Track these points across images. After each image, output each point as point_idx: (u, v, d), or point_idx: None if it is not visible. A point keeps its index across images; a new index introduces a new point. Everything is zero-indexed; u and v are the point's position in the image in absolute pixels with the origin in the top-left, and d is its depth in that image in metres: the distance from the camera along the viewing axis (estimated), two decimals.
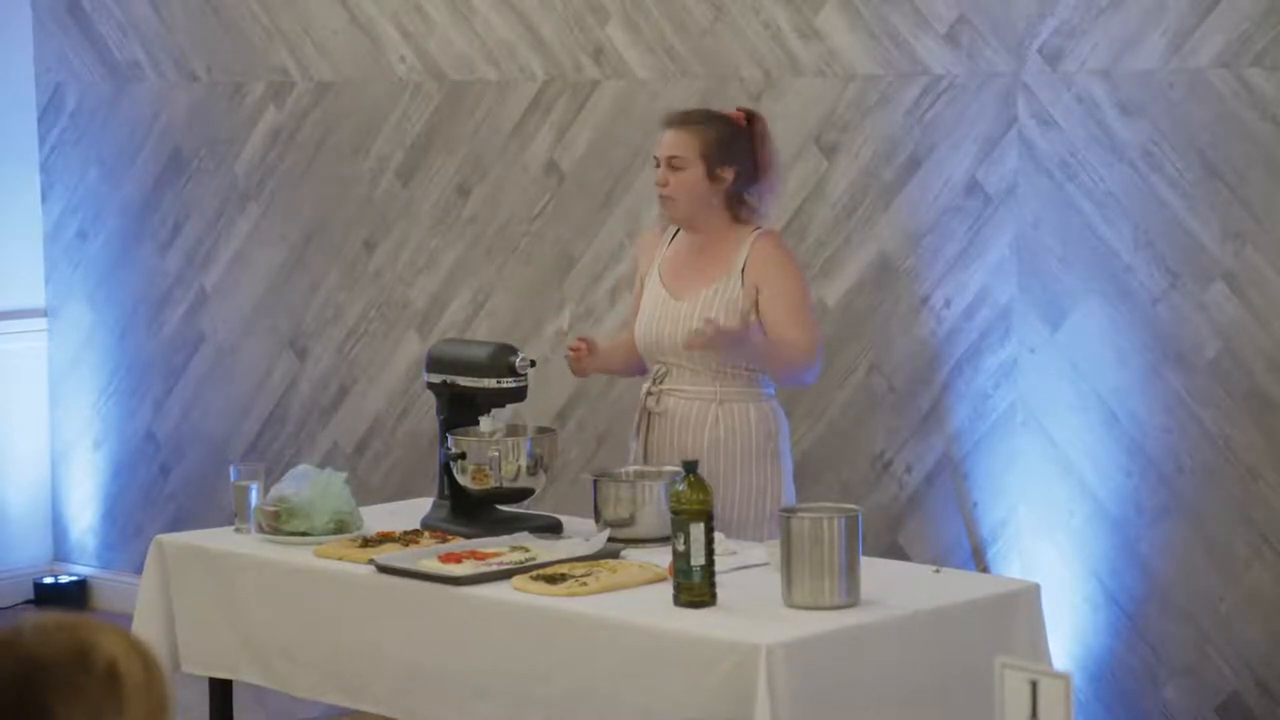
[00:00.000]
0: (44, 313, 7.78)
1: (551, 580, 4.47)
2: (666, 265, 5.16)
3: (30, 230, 7.75)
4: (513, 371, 4.97)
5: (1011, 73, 5.50)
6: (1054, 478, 5.48)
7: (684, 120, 5.08)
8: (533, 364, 5.02)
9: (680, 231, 5.15)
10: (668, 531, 4.39)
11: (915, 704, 4.28)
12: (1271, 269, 5.14)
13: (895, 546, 5.68)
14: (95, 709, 1.97)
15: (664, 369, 5.10)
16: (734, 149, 5.03)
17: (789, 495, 5.11)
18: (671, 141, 5.05)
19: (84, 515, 7.74)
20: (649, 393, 5.11)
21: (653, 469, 4.97)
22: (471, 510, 5.00)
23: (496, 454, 4.92)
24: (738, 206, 5.06)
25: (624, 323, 5.45)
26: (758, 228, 5.06)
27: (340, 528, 4.98)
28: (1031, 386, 5.52)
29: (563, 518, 5.08)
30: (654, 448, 5.10)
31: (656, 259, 5.19)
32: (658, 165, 5.06)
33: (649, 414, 5.11)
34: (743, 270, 5.01)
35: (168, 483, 7.49)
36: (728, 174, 5.02)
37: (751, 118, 5.12)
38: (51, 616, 2.04)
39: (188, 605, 5.05)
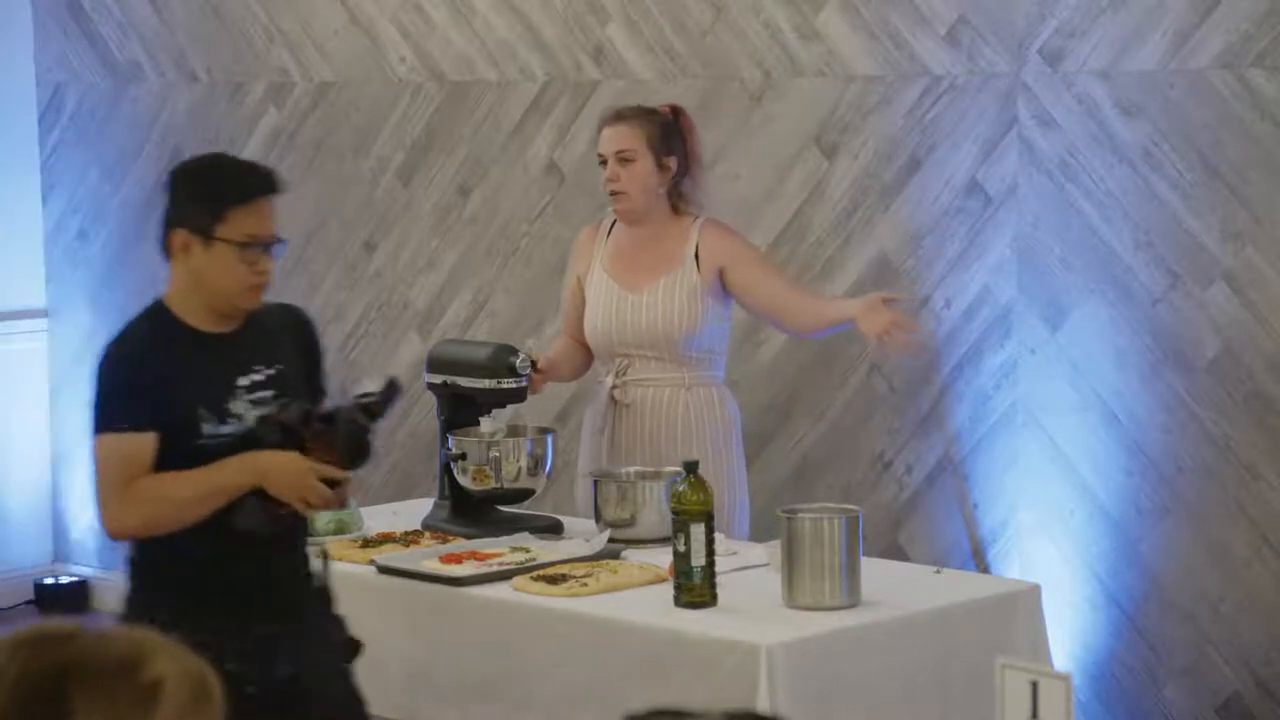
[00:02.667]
0: (44, 313, 7.78)
1: (552, 581, 4.47)
2: (609, 262, 5.23)
3: (31, 231, 7.75)
4: (513, 372, 4.97)
5: (1011, 73, 5.50)
6: (1054, 478, 5.48)
7: (625, 115, 5.21)
8: (533, 364, 5.02)
9: (615, 229, 5.24)
10: (668, 532, 4.40)
11: (916, 704, 4.28)
12: (1271, 269, 5.14)
13: (895, 547, 5.68)
14: (117, 717, 1.97)
15: (625, 361, 5.16)
16: (673, 140, 5.18)
17: (744, 479, 5.17)
18: (618, 136, 5.17)
19: (84, 515, 7.74)
20: (614, 386, 5.14)
21: (651, 469, 4.97)
22: (472, 511, 5.00)
23: (497, 455, 4.92)
24: (676, 198, 5.20)
25: (559, 331, 5.47)
26: (696, 217, 5.18)
27: (341, 528, 4.98)
28: (1032, 387, 5.52)
29: (563, 518, 5.09)
30: (622, 440, 5.14)
31: (596, 257, 5.24)
32: (603, 164, 5.16)
33: (616, 406, 5.14)
34: (696, 257, 5.12)
35: None
36: (672, 164, 5.17)
37: (677, 112, 5.27)
38: (130, 629, 2.05)
39: None
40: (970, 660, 4.26)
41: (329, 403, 4.13)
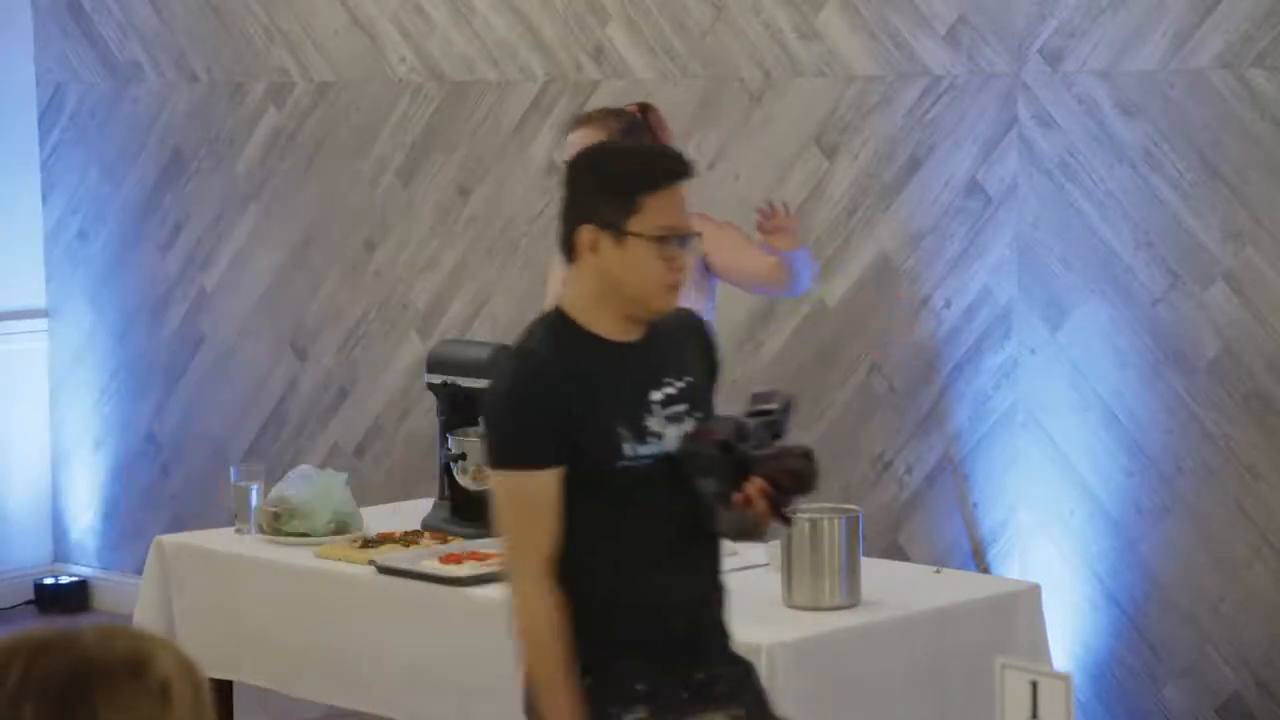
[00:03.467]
0: (44, 313, 7.78)
1: None
2: None
3: (31, 230, 7.75)
4: None
5: (1011, 73, 5.50)
6: (1054, 478, 5.48)
7: (588, 119, 5.25)
8: None
9: None
10: None
11: (915, 704, 4.28)
12: (1271, 269, 5.14)
13: (895, 546, 5.68)
14: (137, 717, 1.98)
15: None
16: (640, 138, 5.20)
17: None
18: (582, 140, 5.19)
19: (84, 515, 7.74)
20: None
21: None
22: (472, 511, 5.00)
23: None
24: None
25: None
26: None
27: (341, 528, 4.98)
28: (1032, 387, 5.52)
29: None
30: None
31: None
32: None
33: None
34: None
35: (168, 483, 7.49)
36: None
37: (645, 109, 5.30)
38: (113, 624, 2.05)
39: (188, 605, 5.05)
40: (970, 660, 4.26)
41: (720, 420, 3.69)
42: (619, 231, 3.56)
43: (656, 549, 3.62)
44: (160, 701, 1.98)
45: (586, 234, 3.58)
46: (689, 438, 3.61)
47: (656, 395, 3.62)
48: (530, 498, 3.55)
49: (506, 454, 3.58)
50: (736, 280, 5.18)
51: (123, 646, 2.00)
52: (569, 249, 3.63)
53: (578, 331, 3.62)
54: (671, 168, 3.64)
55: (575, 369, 3.57)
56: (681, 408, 3.64)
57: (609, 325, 3.62)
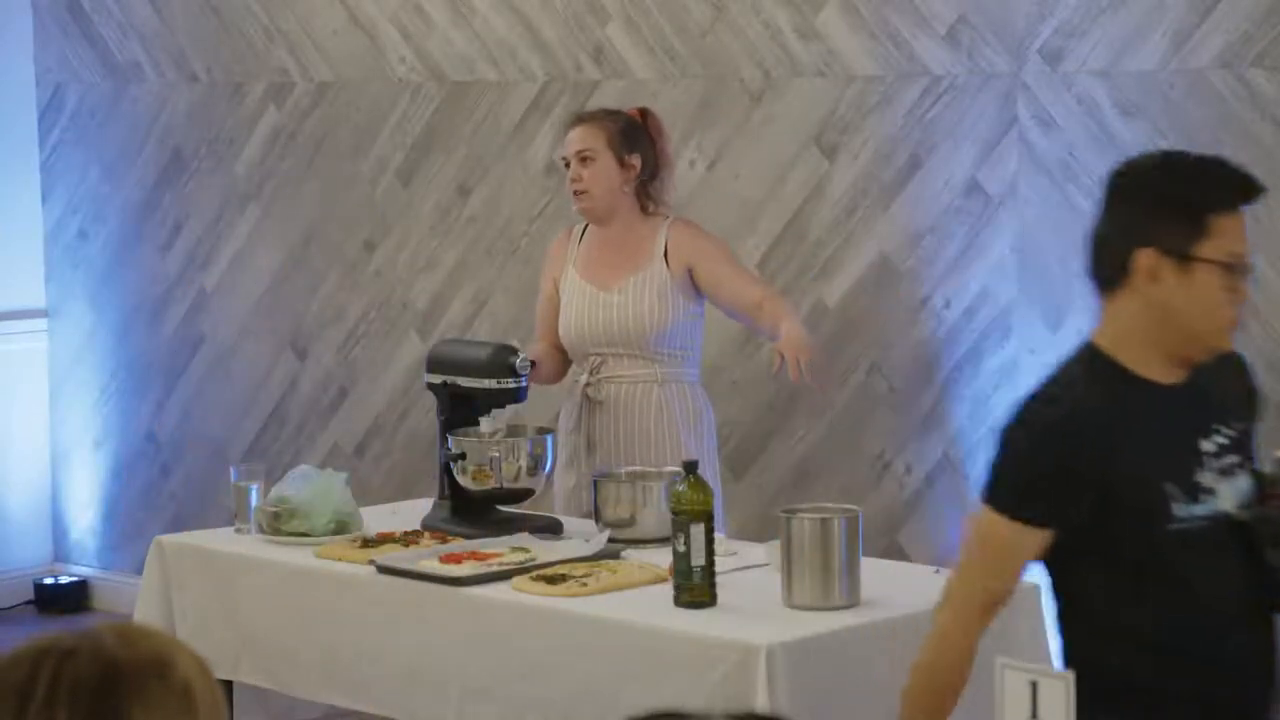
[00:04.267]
0: (44, 313, 7.78)
1: (552, 581, 4.47)
2: (581, 263, 5.27)
3: (31, 230, 7.74)
4: (512, 372, 4.97)
5: (1011, 73, 5.50)
6: None
7: (586, 118, 5.28)
8: (532, 364, 5.03)
9: (587, 232, 5.28)
10: (668, 532, 4.40)
11: None
12: (1271, 269, 5.14)
13: (895, 547, 5.68)
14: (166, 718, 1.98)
15: (599, 359, 5.20)
16: (637, 139, 5.21)
17: (716, 479, 5.17)
18: (578, 137, 5.22)
19: (84, 515, 7.74)
20: (588, 384, 5.16)
21: (652, 469, 4.97)
22: (472, 511, 5.00)
23: (497, 454, 4.92)
24: (644, 199, 5.23)
25: (539, 335, 5.43)
26: (665, 217, 5.22)
27: (340, 528, 4.98)
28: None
29: (563, 518, 5.09)
30: (598, 437, 5.17)
31: (569, 259, 5.29)
32: (567, 166, 5.22)
33: (590, 404, 5.16)
34: (665, 256, 5.15)
35: (168, 483, 7.49)
36: (635, 161, 5.19)
37: (645, 113, 5.31)
38: (127, 624, 2.04)
39: (188, 605, 5.05)
40: None
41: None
42: (1185, 258, 3.18)
43: (1210, 627, 3.22)
44: (184, 703, 1.98)
45: (1146, 259, 3.19)
46: (1261, 500, 3.23)
47: (1208, 446, 3.24)
48: (1001, 545, 3.25)
49: (999, 493, 3.25)
50: (714, 298, 5.16)
51: (145, 647, 2.00)
52: (1116, 275, 3.23)
53: (1121, 374, 3.25)
54: (1245, 187, 3.28)
55: (1120, 418, 3.20)
56: (1234, 459, 3.26)
57: (1155, 366, 3.24)
